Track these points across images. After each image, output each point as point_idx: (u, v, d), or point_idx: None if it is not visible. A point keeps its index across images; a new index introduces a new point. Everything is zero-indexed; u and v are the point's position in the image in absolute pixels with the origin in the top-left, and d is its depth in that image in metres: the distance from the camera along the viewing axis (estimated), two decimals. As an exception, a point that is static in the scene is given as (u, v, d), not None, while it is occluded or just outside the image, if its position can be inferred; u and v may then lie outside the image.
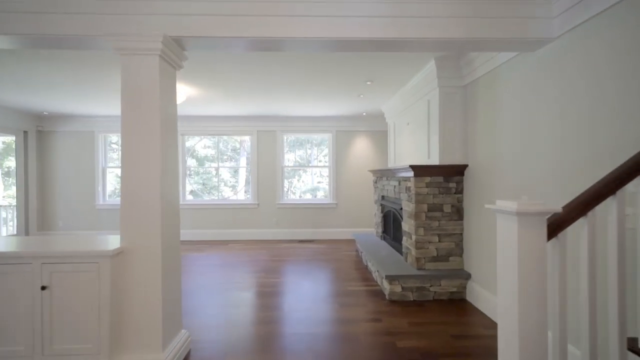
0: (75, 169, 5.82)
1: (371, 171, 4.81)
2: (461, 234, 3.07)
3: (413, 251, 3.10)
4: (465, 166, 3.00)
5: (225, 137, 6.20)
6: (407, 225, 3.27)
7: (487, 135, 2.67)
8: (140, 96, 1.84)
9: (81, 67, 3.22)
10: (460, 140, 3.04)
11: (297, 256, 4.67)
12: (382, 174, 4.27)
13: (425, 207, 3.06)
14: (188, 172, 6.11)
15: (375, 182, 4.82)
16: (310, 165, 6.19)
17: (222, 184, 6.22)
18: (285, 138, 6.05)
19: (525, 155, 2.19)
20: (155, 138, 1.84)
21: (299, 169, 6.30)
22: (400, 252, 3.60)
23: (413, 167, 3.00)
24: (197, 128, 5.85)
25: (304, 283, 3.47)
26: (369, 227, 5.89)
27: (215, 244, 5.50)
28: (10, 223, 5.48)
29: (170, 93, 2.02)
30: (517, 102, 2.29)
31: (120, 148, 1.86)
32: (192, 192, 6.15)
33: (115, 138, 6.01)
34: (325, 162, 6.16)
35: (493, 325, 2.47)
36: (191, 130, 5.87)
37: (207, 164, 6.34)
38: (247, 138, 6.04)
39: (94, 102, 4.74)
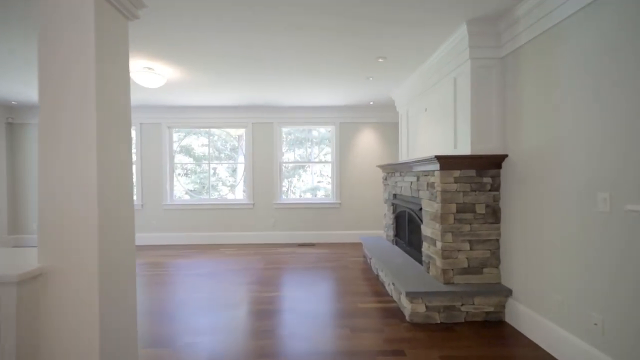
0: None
1: (380, 167, 4.24)
2: (497, 240, 2.50)
3: (438, 261, 2.54)
4: (503, 157, 2.43)
5: (222, 135, 5.63)
6: (429, 229, 2.71)
7: (539, 116, 2.10)
8: (66, 52, 1.26)
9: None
10: (497, 125, 2.47)
11: (296, 263, 4.10)
12: (395, 169, 3.70)
13: (453, 207, 2.49)
14: (184, 171, 5.54)
15: (385, 179, 4.26)
16: (311, 161, 5.61)
17: (220, 183, 5.65)
18: (283, 131, 5.48)
19: (605, 139, 1.62)
20: (88, 118, 1.27)
21: (299, 167, 5.73)
22: (419, 261, 3.04)
23: (439, 158, 2.43)
24: (185, 120, 5.27)
25: (305, 298, 2.91)
26: (377, 230, 5.33)
27: (205, 249, 4.93)
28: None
29: (118, 53, 1.44)
30: (590, 69, 1.72)
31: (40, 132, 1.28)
32: (188, 192, 5.57)
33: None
34: (327, 159, 5.58)
35: (547, 358, 1.91)
36: (178, 123, 5.29)
37: (204, 163, 5.81)
38: (242, 132, 5.46)
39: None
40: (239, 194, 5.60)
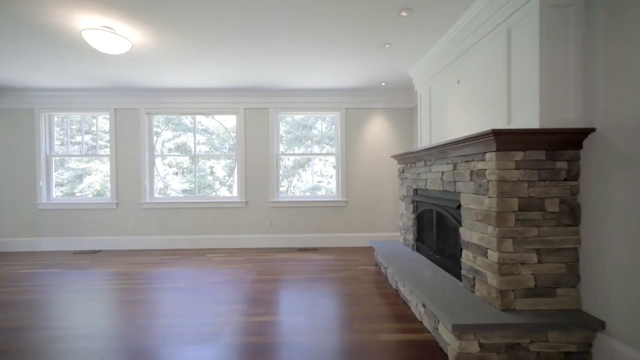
0: (10, 160, 4.53)
1: (396, 157, 3.53)
2: (576, 249, 1.80)
3: (491, 278, 1.83)
4: (588, 131, 1.73)
5: (220, 131, 4.91)
6: (475, 233, 2.00)
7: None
8: None
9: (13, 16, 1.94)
10: (576, 89, 1.76)
11: (295, 273, 3.38)
12: (417, 159, 2.99)
13: (514, 203, 1.78)
14: (179, 170, 4.82)
15: (402, 172, 3.54)
16: (313, 153, 4.90)
17: (217, 182, 4.95)
18: (280, 118, 4.77)
19: None
20: None
21: (299, 166, 5.01)
22: (456, 275, 2.33)
23: (498, 134, 1.72)
24: (167, 105, 4.56)
25: (307, 325, 2.19)
26: (390, 232, 4.61)
27: (190, 255, 4.21)
28: None
29: None
30: None
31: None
32: (185, 191, 4.85)
33: (60, 117, 4.70)
34: (332, 151, 4.86)
35: None
36: (159, 108, 4.57)
37: (200, 162, 5.15)
38: (233, 119, 4.75)
39: (34, 69, 3.46)
40: (235, 193, 4.89)
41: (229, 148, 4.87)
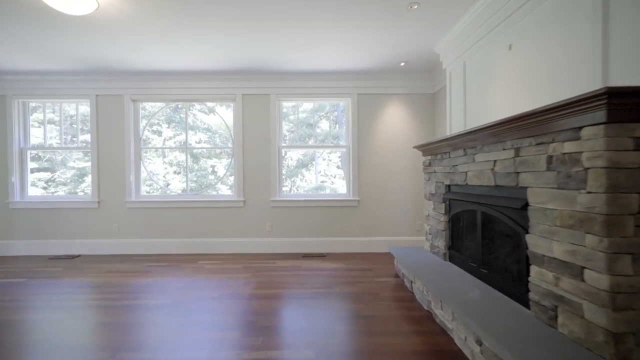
0: (-21, 152, 4.02)
1: (422, 147, 2.95)
2: None
3: (597, 312, 1.24)
4: None
5: (221, 130, 4.37)
6: (557, 244, 1.41)
7: None
8: None
9: None
10: None
11: (300, 286, 2.81)
12: (454, 146, 2.40)
13: (634, 201, 1.19)
14: (179, 169, 4.28)
15: (429, 165, 2.96)
16: (324, 145, 4.32)
17: (220, 182, 4.42)
18: (282, 106, 4.20)
19: None
20: None
21: (302, 165, 4.44)
22: (518, 299, 1.73)
23: (614, 94, 1.13)
24: (156, 91, 4.01)
25: (318, 366, 1.62)
26: (410, 236, 4.03)
27: (180, 261, 3.66)
28: None
29: None
30: None
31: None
32: (185, 190, 4.31)
33: (36, 104, 4.18)
34: (341, 143, 4.29)
35: None
36: (147, 94, 4.03)
37: (202, 161, 4.69)
38: (231, 108, 4.19)
39: (2, 49, 2.95)
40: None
41: (230, 143, 4.33)
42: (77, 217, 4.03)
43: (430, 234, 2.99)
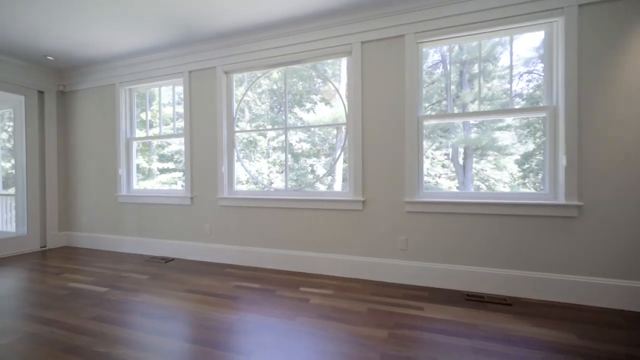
0: (96, 144, 3.98)
1: None
2: None
3: None
4: None
5: (318, 130, 3.30)
6: None
7: None
8: None
9: None
10: None
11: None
12: None
13: None
14: (281, 168, 3.47)
15: None
16: (491, 109, 2.62)
17: (318, 183, 3.45)
18: (422, 54, 2.68)
19: None
20: None
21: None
22: None
23: None
24: (246, 57, 3.11)
25: None
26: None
27: (275, 283, 2.60)
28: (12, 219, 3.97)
29: None
30: None
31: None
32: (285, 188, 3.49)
33: (141, 90, 3.88)
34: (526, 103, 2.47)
35: None
36: (237, 62, 3.17)
37: (302, 160, 4.08)
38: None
39: (107, 19, 2.54)
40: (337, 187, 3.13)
41: (329, 147, 3.11)
42: (171, 215, 3.51)
43: None
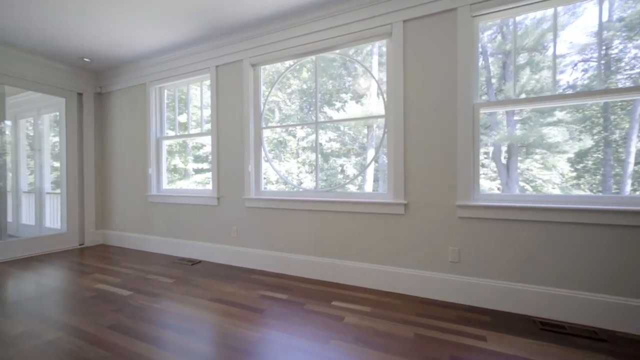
0: (129, 144, 4.01)
1: None
2: None
3: None
4: None
5: (348, 129, 3.01)
6: None
7: None
8: None
9: None
10: None
11: None
12: None
13: None
14: (311, 168, 3.27)
15: None
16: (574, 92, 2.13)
17: (350, 182, 3.23)
18: (477, 30, 2.26)
19: None
20: None
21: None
22: None
23: None
24: (273, 47, 2.88)
25: None
26: None
27: (304, 294, 2.33)
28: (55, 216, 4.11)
29: None
30: None
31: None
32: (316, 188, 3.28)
33: (170, 89, 3.83)
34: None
35: None
36: (264, 54, 2.95)
37: (331, 160, 4.12)
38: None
39: (131, 14, 2.50)
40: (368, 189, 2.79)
41: (359, 146, 2.77)
42: (198, 215, 3.40)
43: None
